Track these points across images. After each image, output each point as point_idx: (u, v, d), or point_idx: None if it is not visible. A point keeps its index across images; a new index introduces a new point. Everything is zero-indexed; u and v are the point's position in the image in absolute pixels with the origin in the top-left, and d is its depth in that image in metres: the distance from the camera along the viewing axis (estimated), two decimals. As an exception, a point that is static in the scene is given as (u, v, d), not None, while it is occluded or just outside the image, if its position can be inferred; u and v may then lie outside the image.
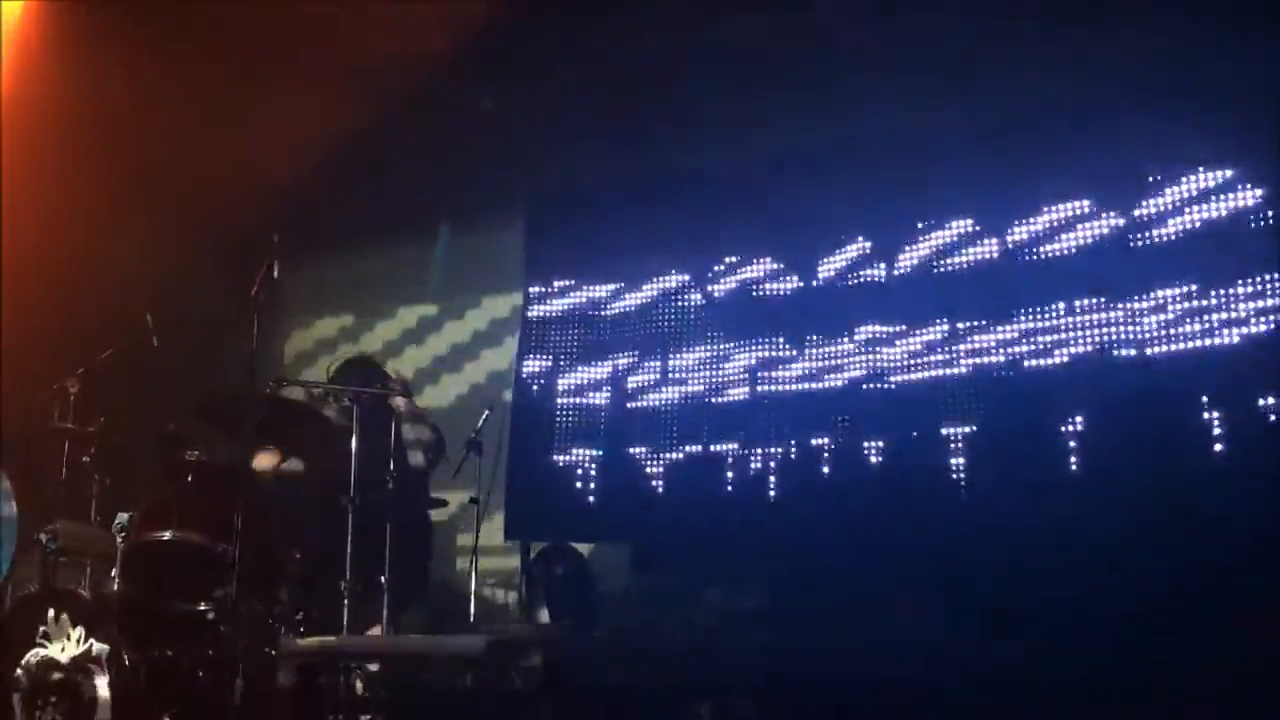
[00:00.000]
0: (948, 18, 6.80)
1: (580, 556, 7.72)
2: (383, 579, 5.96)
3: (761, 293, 7.80)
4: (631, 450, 7.98)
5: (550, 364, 8.30)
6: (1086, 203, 6.74)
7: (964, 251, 7.11)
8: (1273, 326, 6.06)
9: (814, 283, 7.63)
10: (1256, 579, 5.47)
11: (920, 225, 7.26)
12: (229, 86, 7.60)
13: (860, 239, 7.48)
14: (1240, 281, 6.19)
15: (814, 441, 7.37)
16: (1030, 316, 6.81)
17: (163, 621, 5.41)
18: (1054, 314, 6.73)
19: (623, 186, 8.24)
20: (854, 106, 7.20)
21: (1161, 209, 6.49)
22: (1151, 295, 6.44)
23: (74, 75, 7.47)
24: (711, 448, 7.78)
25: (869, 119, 7.22)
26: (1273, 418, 6.01)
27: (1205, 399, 6.20)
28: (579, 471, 8.09)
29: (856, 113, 7.23)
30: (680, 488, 7.77)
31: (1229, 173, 6.30)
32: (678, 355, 8.01)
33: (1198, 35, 6.21)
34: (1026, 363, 6.79)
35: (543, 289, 8.44)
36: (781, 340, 7.65)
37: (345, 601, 5.73)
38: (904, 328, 7.22)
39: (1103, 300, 6.59)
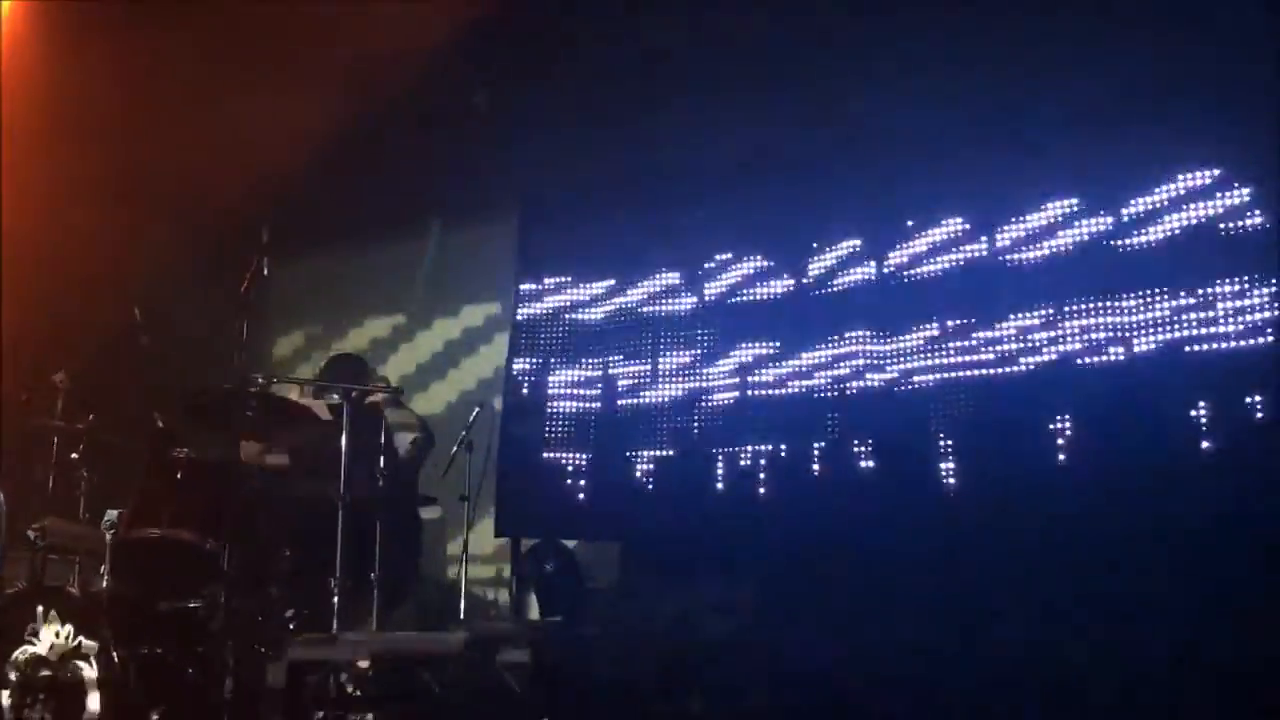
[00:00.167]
0: (939, 16, 6.80)
1: (570, 553, 7.73)
2: (373, 576, 5.97)
3: (753, 291, 7.80)
4: (622, 447, 7.98)
5: (541, 361, 8.29)
6: (1074, 201, 6.74)
7: (954, 251, 7.11)
8: (1261, 327, 6.07)
9: (805, 281, 7.63)
10: (1250, 578, 5.48)
11: (910, 224, 7.26)
12: (217, 83, 7.59)
13: (851, 238, 7.48)
14: (1230, 282, 6.19)
15: (804, 439, 7.38)
16: (1021, 316, 6.80)
17: (152, 619, 5.42)
18: (1044, 315, 6.73)
19: (615, 184, 8.23)
20: (849, 105, 7.20)
21: (1150, 208, 6.49)
22: (1143, 295, 6.43)
23: (63, 72, 7.46)
24: (701, 445, 7.80)
25: (864, 118, 7.22)
26: (1260, 417, 6.02)
27: (1199, 401, 6.21)
28: (569, 468, 8.10)
29: (852, 112, 7.23)
30: (670, 485, 7.77)
31: (1217, 173, 6.30)
32: (668, 353, 8.01)
33: (1186, 36, 6.22)
34: (1018, 362, 6.79)
35: (534, 286, 8.44)
36: (772, 338, 7.65)
37: (335, 599, 5.74)
38: (895, 327, 7.21)
39: (1092, 300, 6.59)
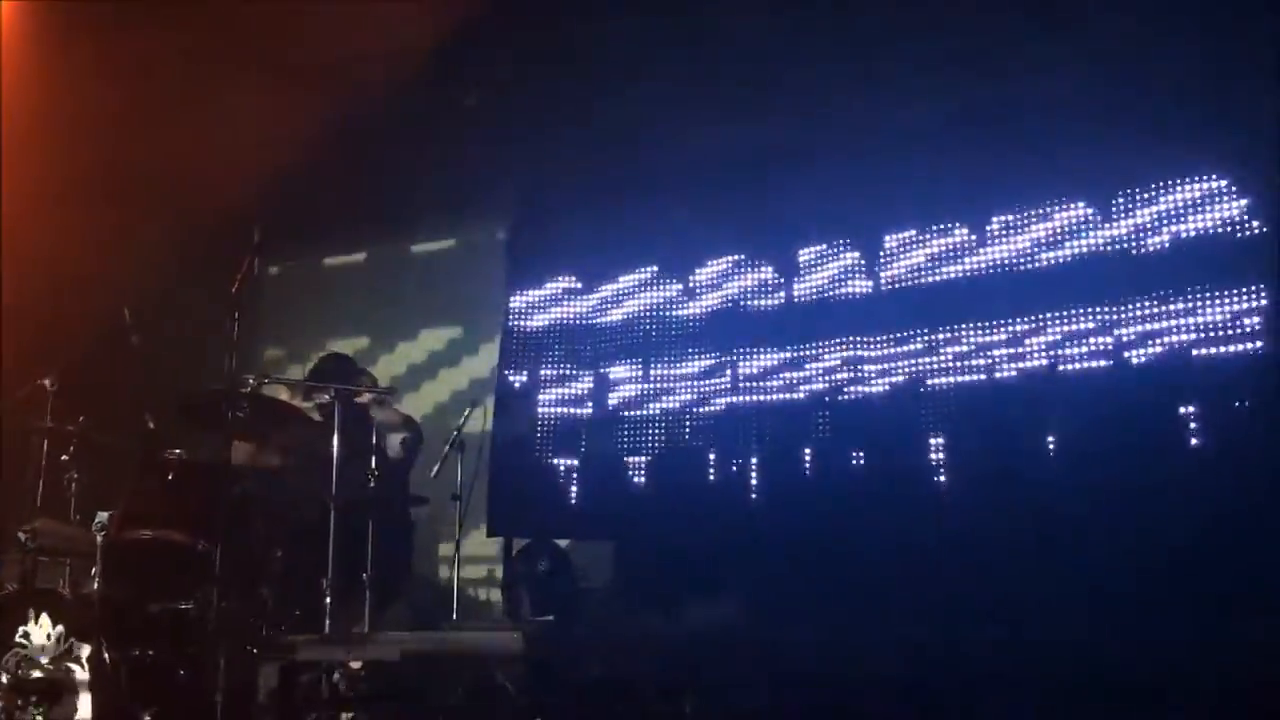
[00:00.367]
0: (939, 16, 6.80)
1: (563, 553, 7.73)
2: (365, 576, 5.96)
3: (745, 294, 7.81)
4: (614, 447, 7.99)
5: (533, 361, 8.29)
6: (1071, 206, 6.74)
7: (948, 255, 7.10)
8: (1257, 332, 6.07)
9: (797, 283, 7.64)
10: (1244, 581, 5.49)
11: (904, 226, 7.27)
12: (209, 84, 7.57)
13: (846, 240, 7.48)
14: (1226, 288, 6.19)
15: (796, 442, 7.39)
16: (1014, 321, 6.81)
17: (143, 620, 5.40)
18: (1038, 319, 6.73)
19: (608, 186, 8.22)
20: (846, 106, 7.20)
21: (1149, 215, 6.48)
22: (1137, 300, 6.43)
23: (53, 73, 7.44)
24: (694, 446, 7.81)
25: (860, 119, 7.22)
26: (1253, 420, 6.03)
27: (1191, 405, 6.22)
28: (562, 468, 8.10)
29: (848, 113, 7.24)
30: (663, 485, 7.78)
31: (1216, 179, 6.29)
32: (661, 354, 8.01)
33: (1187, 40, 6.22)
34: (1011, 366, 6.79)
35: (526, 286, 8.44)
36: (764, 341, 7.65)
37: (327, 599, 5.73)
38: (887, 330, 7.22)
39: (1086, 305, 6.59)
